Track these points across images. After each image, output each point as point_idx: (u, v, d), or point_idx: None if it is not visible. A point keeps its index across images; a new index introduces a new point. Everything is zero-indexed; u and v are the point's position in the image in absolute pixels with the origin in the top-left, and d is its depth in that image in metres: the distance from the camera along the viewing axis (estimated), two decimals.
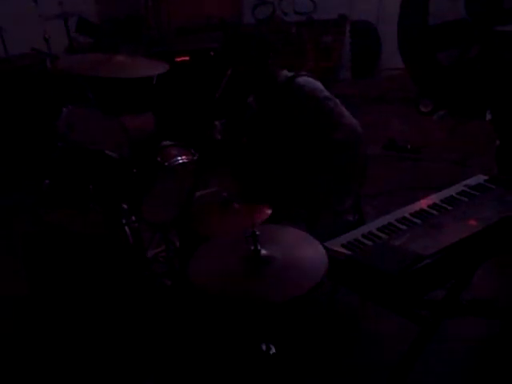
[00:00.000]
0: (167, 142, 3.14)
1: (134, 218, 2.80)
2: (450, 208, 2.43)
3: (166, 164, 2.90)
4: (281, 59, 6.37)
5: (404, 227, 2.32)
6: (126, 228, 2.74)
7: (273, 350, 2.08)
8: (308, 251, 1.91)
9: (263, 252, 1.83)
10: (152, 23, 6.69)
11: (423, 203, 2.50)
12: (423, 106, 5.53)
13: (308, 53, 6.72)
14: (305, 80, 2.76)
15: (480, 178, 2.65)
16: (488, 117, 3.63)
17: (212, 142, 2.72)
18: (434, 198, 2.53)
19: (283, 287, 1.76)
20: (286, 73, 2.84)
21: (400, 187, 4.21)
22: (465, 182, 2.64)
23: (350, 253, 2.17)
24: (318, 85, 2.76)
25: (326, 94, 2.72)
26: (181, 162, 2.98)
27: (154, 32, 6.59)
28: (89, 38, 6.12)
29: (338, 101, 2.74)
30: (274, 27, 6.60)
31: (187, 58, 4.92)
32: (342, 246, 2.22)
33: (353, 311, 2.82)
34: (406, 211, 2.44)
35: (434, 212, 2.42)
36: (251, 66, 2.75)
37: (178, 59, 4.90)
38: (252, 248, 1.81)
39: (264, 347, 2.09)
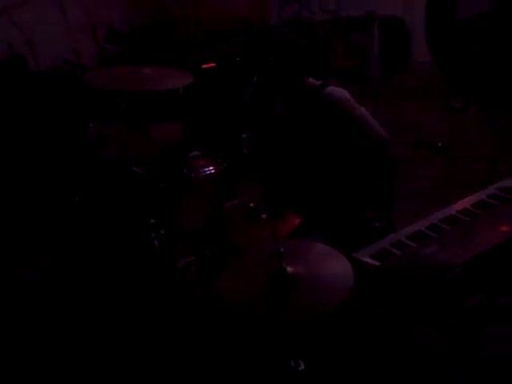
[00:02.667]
0: (195, 153, 3.16)
1: (163, 231, 2.83)
2: (480, 213, 2.38)
3: (193, 175, 2.92)
4: (309, 60, 6.37)
5: (434, 235, 2.28)
6: (155, 241, 2.77)
7: (302, 366, 2.08)
8: (334, 267, 1.89)
9: (289, 269, 1.83)
10: (180, 28, 6.72)
11: (453, 208, 2.45)
12: (454, 101, 5.43)
13: (337, 51, 6.67)
14: (332, 89, 2.77)
15: None
16: None
17: (239, 157, 2.72)
18: (464, 203, 2.48)
19: (308, 306, 1.75)
20: (312, 81, 2.83)
21: (432, 187, 4.15)
22: (497, 185, 2.58)
23: (378, 263, 2.14)
24: (345, 94, 2.75)
25: (353, 103, 2.72)
26: (208, 173, 3.00)
27: (183, 37, 6.61)
28: (118, 47, 6.18)
29: (363, 109, 2.72)
30: (300, 27, 6.55)
31: (213, 65, 4.91)
32: (371, 256, 2.18)
33: (385, 322, 2.79)
34: (436, 217, 2.40)
35: (465, 218, 2.37)
36: (279, 73, 2.75)
37: (205, 66, 4.89)
38: (277, 266, 1.81)
39: (293, 363, 2.08)
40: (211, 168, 3.03)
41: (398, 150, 4.70)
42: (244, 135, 2.76)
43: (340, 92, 2.77)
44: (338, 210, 2.73)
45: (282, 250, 1.80)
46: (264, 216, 2.60)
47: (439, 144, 4.80)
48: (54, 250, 2.96)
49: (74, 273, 2.89)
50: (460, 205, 2.46)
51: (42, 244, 3.56)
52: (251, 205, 2.64)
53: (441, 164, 4.57)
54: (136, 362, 2.71)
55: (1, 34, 5.59)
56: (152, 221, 2.76)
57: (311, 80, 2.83)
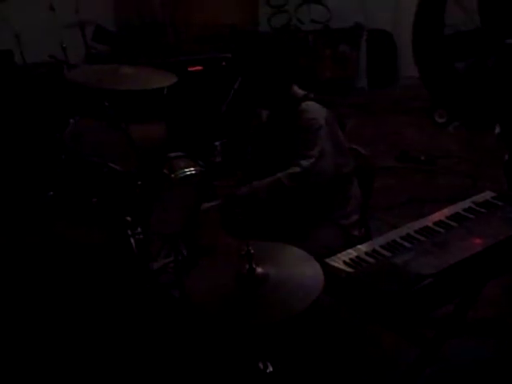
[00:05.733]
0: (175, 154, 3.16)
1: (139, 229, 2.81)
2: (455, 225, 2.40)
3: (172, 176, 2.91)
4: (296, 64, 6.38)
5: (408, 245, 2.29)
6: (131, 239, 2.75)
7: (270, 369, 2.07)
8: (304, 270, 1.89)
9: (258, 271, 1.82)
10: (169, 31, 6.73)
11: (429, 220, 2.46)
12: (438, 116, 5.48)
13: (324, 62, 6.71)
14: (308, 106, 2.70)
15: (488, 195, 2.62)
16: (497, 130, 3.58)
17: (212, 165, 2.69)
18: (440, 215, 2.49)
19: (277, 308, 1.75)
20: (297, 89, 2.79)
21: (412, 200, 4.17)
22: (472, 199, 2.60)
23: (351, 270, 2.15)
24: (319, 113, 2.68)
25: (320, 125, 2.64)
26: (188, 173, 3.00)
27: (171, 40, 6.62)
28: (106, 46, 6.17)
29: (324, 134, 2.65)
30: (290, 36, 6.59)
31: (200, 68, 4.92)
32: (344, 263, 2.20)
33: (355, 328, 2.80)
34: (411, 228, 2.41)
35: (440, 229, 2.38)
36: (266, 76, 2.71)
37: (191, 69, 4.91)
38: (247, 267, 1.81)
39: (261, 365, 2.08)
40: (192, 169, 3.02)
41: (381, 162, 4.75)
42: (217, 143, 2.73)
43: (313, 112, 2.68)
44: (311, 218, 2.73)
45: (252, 251, 1.80)
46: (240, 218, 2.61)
47: (422, 158, 4.83)
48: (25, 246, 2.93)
49: (46, 270, 2.86)
50: (435, 216, 2.48)
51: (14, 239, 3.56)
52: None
53: (422, 178, 4.60)
54: (107, 363, 2.68)
55: None
56: (128, 218, 2.75)
57: (295, 89, 2.79)
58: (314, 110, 2.69)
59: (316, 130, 2.63)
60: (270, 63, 2.69)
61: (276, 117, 2.82)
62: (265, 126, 2.90)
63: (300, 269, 1.91)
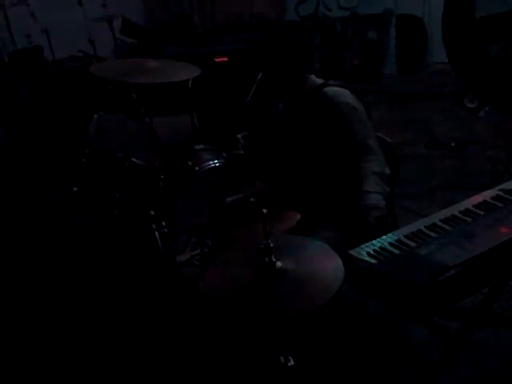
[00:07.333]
0: (200, 146, 3.16)
1: (164, 223, 2.83)
2: (482, 214, 2.35)
3: (197, 168, 2.92)
4: (324, 56, 6.34)
5: (434, 234, 2.25)
6: (156, 233, 2.77)
7: (291, 362, 2.07)
8: (324, 264, 1.88)
9: (278, 264, 1.82)
10: (196, 22, 6.73)
11: (455, 209, 2.42)
12: (468, 101, 5.37)
13: (353, 48, 6.64)
14: (333, 91, 2.66)
15: None
16: None
17: (235, 159, 2.68)
18: (466, 203, 2.44)
19: (296, 302, 1.74)
20: (314, 79, 2.77)
21: (442, 187, 4.11)
22: (500, 186, 2.53)
23: (375, 262, 2.12)
24: (345, 97, 2.64)
25: (351, 107, 2.61)
26: (212, 166, 3.00)
27: (199, 31, 6.63)
28: (134, 39, 6.22)
29: (363, 117, 2.64)
30: (317, 23, 6.54)
31: (226, 59, 4.92)
32: (368, 254, 2.17)
33: (381, 321, 2.77)
34: (437, 217, 2.37)
35: (466, 218, 2.33)
36: (280, 68, 2.69)
37: (217, 60, 4.91)
38: (266, 260, 1.80)
39: (282, 359, 2.07)
40: (216, 161, 3.02)
41: (410, 149, 4.69)
42: (239, 135, 2.72)
43: (339, 96, 2.64)
44: (337, 207, 2.70)
45: (271, 244, 1.80)
46: (265, 211, 2.59)
47: (452, 144, 4.75)
48: (54, 243, 2.99)
49: (74, 266, 2.91)
50: (462, 205, 2.43)
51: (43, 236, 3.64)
52: (252, 199, 2.63)
53: (452, 164, 4.52)
54: (136, 357, 2.72)
55: (19, 24, 5.65)
56: (152, 212, 2.77)
57: (312, 78, 2.77)
58: (339, 93, 2.65)
59: (353, 112, 2.60)
60: (284, 52, 2.67)
61: (293, 107, 2.79)
62: (282, 117, 2.88)
63: (320, 263, 1.90)
